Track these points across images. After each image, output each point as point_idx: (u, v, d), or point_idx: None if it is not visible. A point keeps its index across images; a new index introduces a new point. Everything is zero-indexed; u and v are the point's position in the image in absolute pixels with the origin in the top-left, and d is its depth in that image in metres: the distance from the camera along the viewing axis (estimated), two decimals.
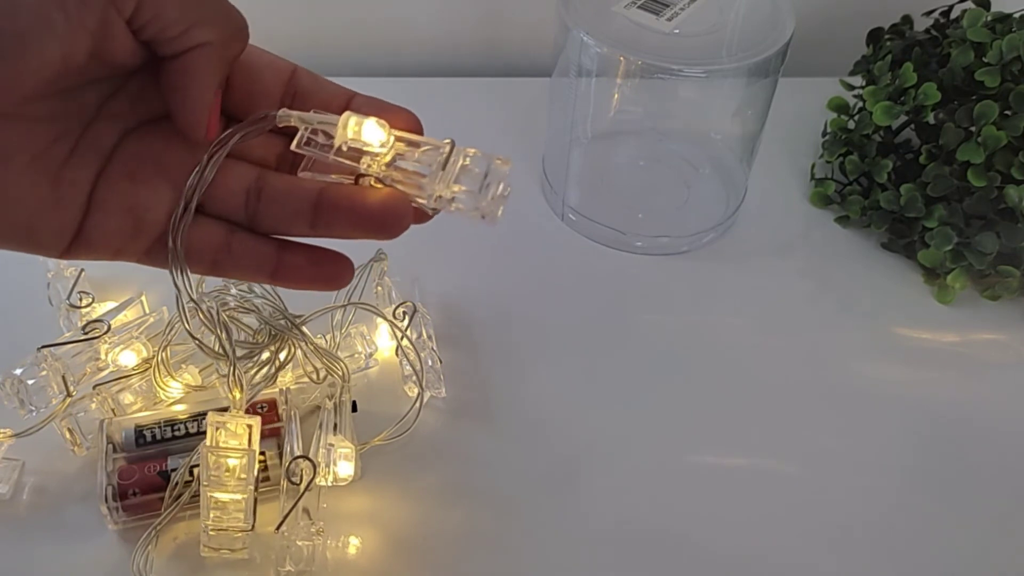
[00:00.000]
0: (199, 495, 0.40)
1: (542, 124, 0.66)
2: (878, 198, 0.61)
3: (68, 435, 0.45)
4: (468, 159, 0.32)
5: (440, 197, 0.32)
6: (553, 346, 0.55)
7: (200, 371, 0.48)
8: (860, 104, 0.64)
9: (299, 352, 0.47)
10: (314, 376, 0.47)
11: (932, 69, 0.61)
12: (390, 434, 0.48)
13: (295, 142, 0.32)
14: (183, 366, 0.48)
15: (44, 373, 0.44)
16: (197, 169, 0.32)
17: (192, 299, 0.35)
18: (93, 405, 0.46)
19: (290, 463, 0.41)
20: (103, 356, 0.47)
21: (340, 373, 0.47)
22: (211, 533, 0.41)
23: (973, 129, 0.56)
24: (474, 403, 0.51)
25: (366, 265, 0.53)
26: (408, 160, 0.32)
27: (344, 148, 0.32)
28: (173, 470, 0.43)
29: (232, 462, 0.39)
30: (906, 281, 0.60)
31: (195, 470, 0.42)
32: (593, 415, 0.51)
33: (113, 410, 0.46)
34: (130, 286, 0.53)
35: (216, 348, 0.42)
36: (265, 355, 0.45)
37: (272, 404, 0.47)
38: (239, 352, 0.43)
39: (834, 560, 0.45)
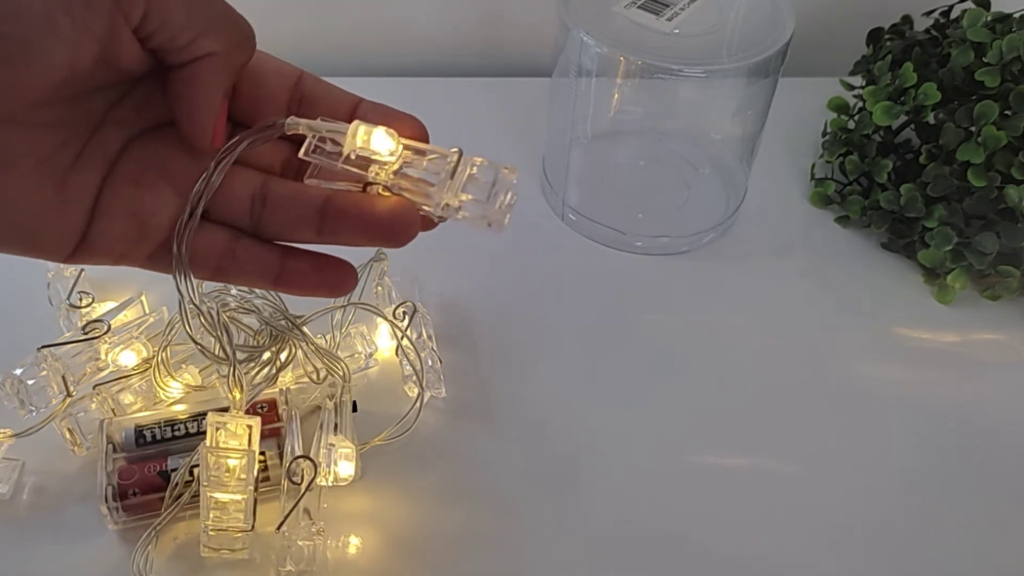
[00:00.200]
0: (199, 495, 0.40)
1: (542, 124, 0.66)
2: (878, 198, 0.61)
3: (68, 435, 0.45)
4: (475, 168, 0.32)
5: (447, 206, 0.32)
6: (553, 346, 0.55)
7: (200, 371, 0.48)
8: (860, 104, 0.64)
9: (299, 352, 0.47)
10: (314, 376, 0.47)
11: (932, 69, 0.61)
12: (390, 434, 0.48)
13: (303, 149, 0.32)
14: (183, 366, 0.48)
15: (44, 373, 0.44)
16: (204, 175, 0.32)
17: (195, 304, 0.35)
18: (93, 405, 0.46)
19: (291, 463, 0.41)
20: (103, 356, 0.47)
21: (340, 373, 0.47)
22: (211, 533, 0.41)
23: (973, 129, 0.56)
24: (474, 403, 0.51)
25: (366, 265, 0.53)
26: (415, 168, 0.32)
27: (352, 156, 0.32)
28: (173, 470, 0.43)
29: (232, 463, 0.39)
30: (906, 281, 0.60)
31: (195, 470, 0.42)
32: (593, 415, 0.51)
33: (113, 410, 0.46)
34: (130, 286, 0.53)
35: (216, 350, 0.42)
36: (265, 356, 0.45)
37: (272, 404, 0.47)
38: (240, 356, 0.43)
39: (834, 560, 0.45)
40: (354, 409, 0.47)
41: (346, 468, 0.44)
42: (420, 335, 0.50)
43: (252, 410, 0.46)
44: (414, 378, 0.48)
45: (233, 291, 0.46)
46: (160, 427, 0.45)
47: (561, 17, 0.56)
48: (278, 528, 0.41)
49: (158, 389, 0.47)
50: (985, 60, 0.57)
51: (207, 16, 0.30)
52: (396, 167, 0.32)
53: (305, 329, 0.47)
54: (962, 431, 0.51)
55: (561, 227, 0.63)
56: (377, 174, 0.32)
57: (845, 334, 0.57)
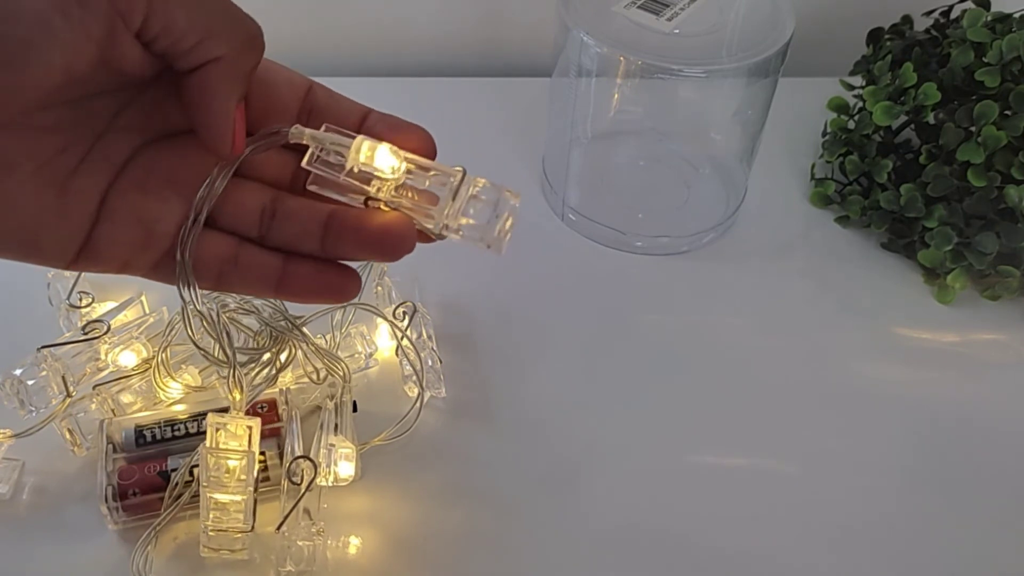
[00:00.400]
0: (199, 495, 0.40)
1: (542, 124, 0.66)
2: (878, 198, 0.61)
3: (68, 435, 0.45)
4: (478, 189, 0.32)
5: (448, 226, 0.32)
6: (553, 346, 0.55)
7: (200, 371, 0.48)
8: (860, 104, 0.64)
9: (299, 352, 0.47)
10: (314, 376, 0.47)
11: (932, 69, 0.61)
12: (390, 434, 0.48)
13: (305, 159, 0.32)
14: (183, 366, 0.48)
15: (44, 373, 0.44)
16: (207, 181, 0.32)
17: (199, 311, 0.35)
18: (93, 405, 0.46)
19: (291, 463, 0.41)
20: (103, 356, 0.47)
21: (340, 373, 0.47)
22: (211, 534, 0.41)
23: (973, 129, 0.56)
24: (474, 403, 0.51)
25: (366, 265, 0.53)
26: (418, 183, 0.32)
27: (355, 170, 0.32)
28: (173, 470, 0.43)
29: (232, 463, 0.39)
30: (906, 281, 0.60)
31: (195, 470, 0.43)
32: (593, 415, 0.51)
33: (113, 410, 0.46)
34: (130, 286, 0.53)
35: (217, 353, 0.42)
36: (265, 357, 0.45)
37: (272, 404, 0.47)
38: (241, 359, 0.43)
39: (834, 560, 0.45)
40: (354, 409, 0.47)
41: (346, 468, 0.44)
42: (420, 335, 0.50)
43: (252, 410, 0.46)
44: (414, 378, 0.48)
45: None
46: (160, 427, 0.45)
47: (561, 17, 0.56)
48: (278, 528, 0.41)
49: (158, 389, 0.47)
50: (985, 60, 0.57)
51: (210, 17, 0.29)
52: (399, 183, 0.32)
53: (305, 329, 0.47)
54: (962, 431, 0.51)
55: (561, 227, 0.63)
56: (379, 189, 0.32)
57: (845, 334, 0.57)
